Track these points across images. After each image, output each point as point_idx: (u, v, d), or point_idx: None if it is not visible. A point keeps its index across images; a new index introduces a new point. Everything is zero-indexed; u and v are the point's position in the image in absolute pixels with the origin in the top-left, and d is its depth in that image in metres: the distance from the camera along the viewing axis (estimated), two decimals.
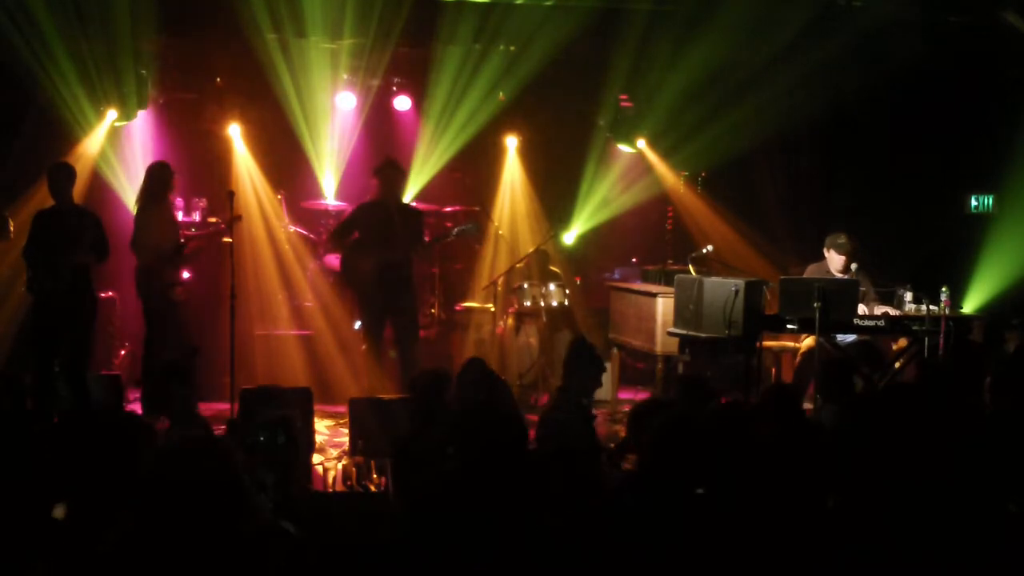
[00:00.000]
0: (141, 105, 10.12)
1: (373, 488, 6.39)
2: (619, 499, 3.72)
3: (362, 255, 8.71)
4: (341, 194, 10.76)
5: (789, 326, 7.72)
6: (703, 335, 7.74)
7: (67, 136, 9.72)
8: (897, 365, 8.06)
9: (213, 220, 9.94)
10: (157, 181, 8.39)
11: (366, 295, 8.83)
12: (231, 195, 8.37)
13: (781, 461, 3.83)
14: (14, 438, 4.30)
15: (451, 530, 3.24)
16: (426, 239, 9.17)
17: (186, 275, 8.78)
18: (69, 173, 7.95)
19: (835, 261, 8.32)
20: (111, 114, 9.99)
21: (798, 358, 8.49)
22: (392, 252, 8.60)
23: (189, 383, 5.98)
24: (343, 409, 8.08)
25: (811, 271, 8.47)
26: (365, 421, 7.13)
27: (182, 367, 6.04)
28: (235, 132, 10.63)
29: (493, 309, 9.70)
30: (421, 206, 10.23)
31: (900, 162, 10.53)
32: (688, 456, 3.58)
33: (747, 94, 10.35)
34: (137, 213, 8.42)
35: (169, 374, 5.94)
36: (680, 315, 8.03)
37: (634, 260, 11.32)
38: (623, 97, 11.02)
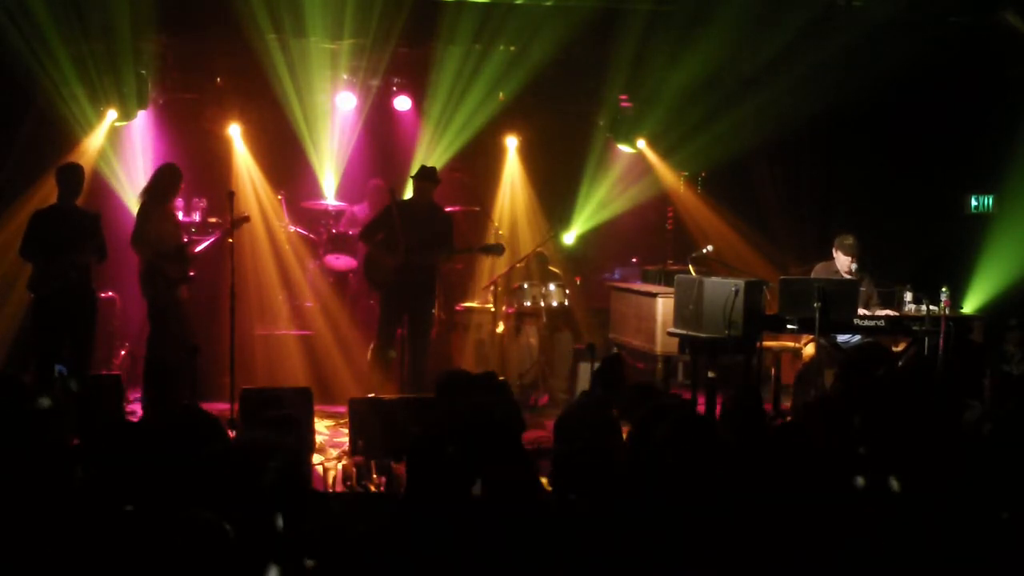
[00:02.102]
0: (141, 105, 10.12)
1: (373, 488, 6.40)
2: (624, 499, 3.72)
3: (387, 255, 8.68)
4: (341, 194, 10.76)
5: (789, 326, 7.73)
6: (703, 335, 7.75)
7: (67, 136, 9.71)
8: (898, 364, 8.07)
9: (213, 220, 9.94)
10: (164, 182, 8.38)
11: (387, 293, 8.80)
12: (231, 195, 8.36)
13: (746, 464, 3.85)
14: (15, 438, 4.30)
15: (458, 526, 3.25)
16: (454, 244, 9.12)
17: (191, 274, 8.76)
18: (81, 175, 8.01)
19: (842, 261, 8.32)
20: (111, 114, 9.98)
21: (800, 365, 8.48)
22: (418, 254, 8.57)
23: (175, 381, 5.92)
24: (343, 409, 8.08)
25: (818, 270, 8.49)
26: (365, 421, 7.13)
27: (171, 367, 5.97)
28: (235, 132, 10.63)
29: (493, 309, 9.70)
30: None
31: (900, 162, 10.52)
32: (700, 456, 3.59)
33: (747, 94, 10.35)
34: (139, 210, 8.43)
35: (158, 373, 5.88)
36: (680, 315, 8.03)
37: (634, 260, 11.31)
38: (623, 97, 11.02)
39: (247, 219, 8.73)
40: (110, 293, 9.56)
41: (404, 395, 7.94)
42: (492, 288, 9.71)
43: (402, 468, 5.35)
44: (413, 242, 8.53)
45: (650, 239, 11.67)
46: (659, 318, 8.53)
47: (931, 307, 7.70)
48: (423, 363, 8.65)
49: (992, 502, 3.71)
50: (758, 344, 7.86)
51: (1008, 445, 4.15)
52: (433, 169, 8.95)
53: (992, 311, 9.23)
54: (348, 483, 6.46)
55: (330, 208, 10.56)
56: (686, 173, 11.42)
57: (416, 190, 8.87)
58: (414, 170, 10.61)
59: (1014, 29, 9.82)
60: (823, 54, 9.72)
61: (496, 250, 9.12)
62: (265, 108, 10.46)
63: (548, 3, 9.85)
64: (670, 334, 8.23)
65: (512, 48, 10.36)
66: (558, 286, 9.67)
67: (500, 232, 10.71)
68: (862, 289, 8.08)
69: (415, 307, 8.75)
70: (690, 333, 7.87)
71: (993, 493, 3.75)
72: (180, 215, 9.87)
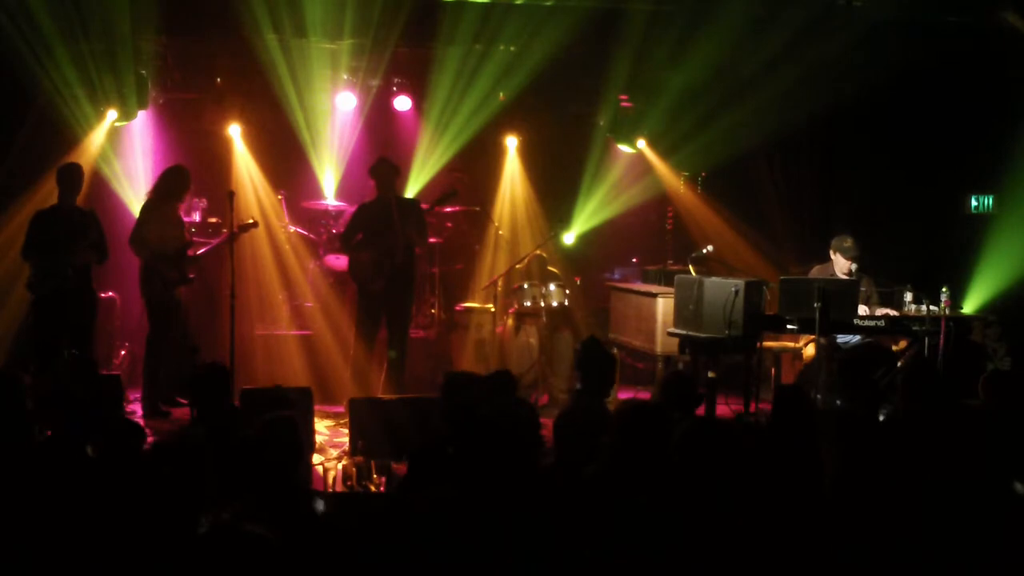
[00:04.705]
0: (141, 105, 10.11)
1: (373, 488, 6.39)
2: (628, 505, 3.71)
3: (365, 252, 8.73)
4: (341, 194, 10.76)
5: (789, 326, 7.72)
6: (703, 335, 7.75)
7: (67, 136, 9.71)
8: (898, 364, 8.06)
9: (214, 221, 9.93)
10: (170, 183, 8.40)
11: (365, 289, 8.83)
12: (231, 195, 8.36)
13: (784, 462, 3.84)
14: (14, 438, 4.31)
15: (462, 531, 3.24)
16: (428, 236, 9.22)
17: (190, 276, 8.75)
18: (81, 174, 8.02)
19: (840, 264, 8.30)
20: (111, 114, 9.98)
21: (800, 365, 8.47)
22: (393, 245, 8.62)
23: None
24: (343, 409, 8.08)
25: (816, 272, 8.47)
26: (365, 421, 7.13)
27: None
28: (235, 132, 10.63)
29: (493, 309, 9.70)
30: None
31: (900, 162, 10.52)
32: (711, 461, 3.58)
33: (747, 94, 10.35)
34: (141, 210, 8.43)
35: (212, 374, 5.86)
36: (680, 315, 8.04)
37: (634, 260, 11.31)
38: (623, 97, 11.02)
39: (255, 225, 8.76)
40: (110, 293, 9.56)
41: (404, 395, 7.95)
42: (492, 288, 9.71)
43: (403, 468, 5.35)
44: (387, 239, 8.57)
45: (650, 239, 11.67)
46: (659, 318, 8.53)
47: (931, 307, 7.70)
48: (402, 363, 8.65)
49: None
50: (758, 344, 7.87)
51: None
52: (384, 159, 8.99)
53: (992, 311, 9.24)
54: (348, 483, 6.45)
55: (330, 208, 10.56)
56: (686, 173, 11.42)
57: (380, 181, 8.85)
58: (414, 170, 10.68)
59: (1014, 29, 9.82)
60: (823, 54, 9.72)
61: (449, 196, 9.18)
62: (265, 108, 10.46)
63: (548, 3, 9.84)
64: (670, 334, 8.23)
65: (512, 48, 10.35)
66: (558, 286, 9.67)
67: (500, 232, 10.72)
68: (862, 289, 8.07)
69: (393, 305, 8.77)
70: (690, 333, 7.87)
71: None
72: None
